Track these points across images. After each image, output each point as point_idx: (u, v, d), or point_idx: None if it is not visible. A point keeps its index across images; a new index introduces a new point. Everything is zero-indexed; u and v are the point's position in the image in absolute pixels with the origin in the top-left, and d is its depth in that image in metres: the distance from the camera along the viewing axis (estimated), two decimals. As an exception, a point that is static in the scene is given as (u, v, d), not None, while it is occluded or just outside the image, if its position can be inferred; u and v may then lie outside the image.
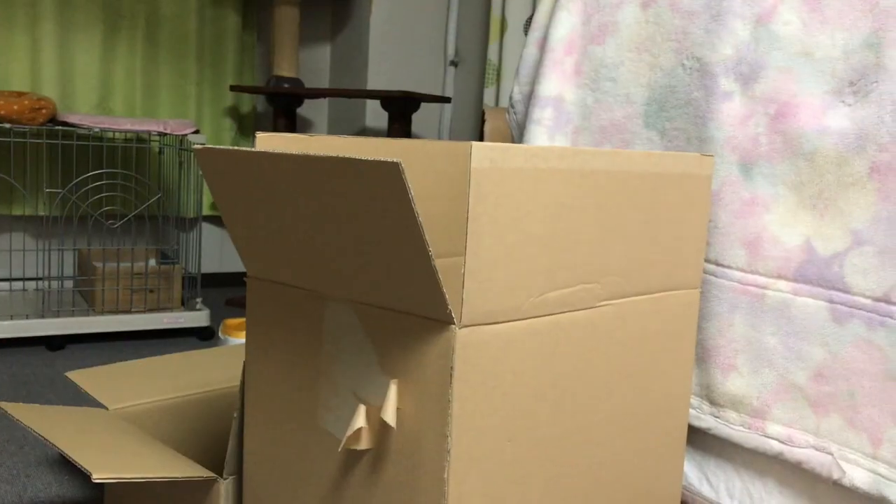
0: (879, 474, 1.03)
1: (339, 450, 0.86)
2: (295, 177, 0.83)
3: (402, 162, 0.72)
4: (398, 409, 0.82)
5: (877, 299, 1.03)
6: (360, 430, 0.85)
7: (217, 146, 0.89)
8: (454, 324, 0.78)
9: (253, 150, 0.85)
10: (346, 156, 0.75)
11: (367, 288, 0.84)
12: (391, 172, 0.72)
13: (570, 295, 0.89)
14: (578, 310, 0.90)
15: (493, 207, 0.78)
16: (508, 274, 0.81)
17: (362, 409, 0.85)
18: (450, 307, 0.78)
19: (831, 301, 1.07)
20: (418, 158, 1.16)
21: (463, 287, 0.78)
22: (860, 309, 1.05)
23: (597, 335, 0.93)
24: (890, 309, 1.02)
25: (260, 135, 1.01)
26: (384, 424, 0.82)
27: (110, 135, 2.44)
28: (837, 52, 1.11)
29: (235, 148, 0.87)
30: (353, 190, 0.78)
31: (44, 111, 2.25)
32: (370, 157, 0.73)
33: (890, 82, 1.04)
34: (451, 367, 0.78)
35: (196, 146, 0.92)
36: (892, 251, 1.02)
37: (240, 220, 0.96)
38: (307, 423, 0.94)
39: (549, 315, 0.86)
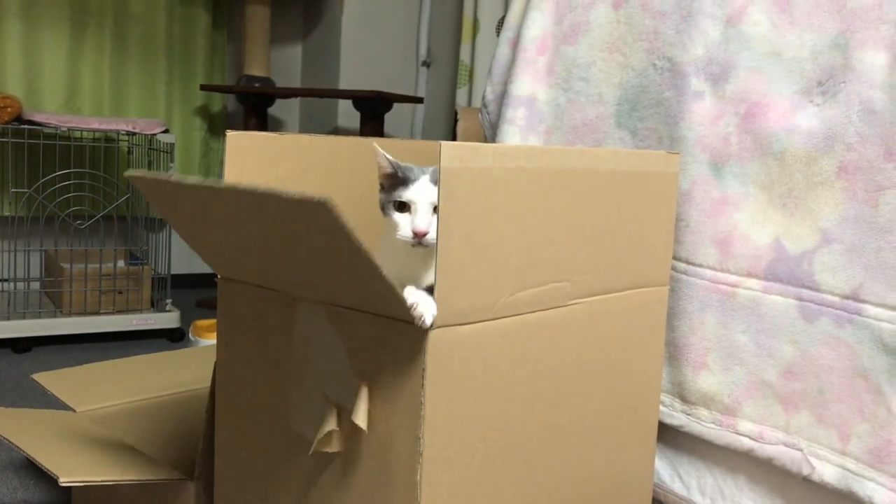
0: (848, 470, 1.04)
1: (310, 453, 0.85)
2: (235, 206, 0.82)
3: (330, 198, 0.68)
4: (370, 411, 0.82)
5: (845, 297, 1.05)
6: (331, 432, 0.84)
7: (151, 175, 0.85)
8: (426, 324, 0.77)
9: (185, 181, 0.81)
10: (275, 191, 0.71)
11: (337, 292, 0.84)
12: (321, 210, 0.69)
13: (541, 294, 0.89)
14: (549, 309, 0.90)
15: (462, 206, 0.78)
16: (480, 274, 0.81)
17: (333, 411, 0.84)
18: (420, 308, 0.77)
19: (801, 299, 1.08)
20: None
21: (435, 288, 0.77)
22: (829, 307, 1.06)
23: (567, 334, 0.93)
24: (858, 306, 1.03)
25: (230, 133, 0.99)
26: (356, 427, 0.82)
27: (78, 134, 2.40)
28: (806, 53, 1.12)
29: (170, 179, 0.83)
30: (291, 220, 0.77)
31: (9, 109, 2.22)
32: (300, 193, 0.69)
33: (857, 82, 1.05)
34: (424, 369, 0.77)
35: (130, 173, 0.88)
36: (860, 249, 1.03)
37: (195, 237, 0.94)
38: (278, 425, 0.93)
39: (520, 314, 0.86)
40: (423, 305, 0.76)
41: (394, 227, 0.90)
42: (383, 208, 0.93)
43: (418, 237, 0.87)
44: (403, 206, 0.89)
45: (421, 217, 0.87)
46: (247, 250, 0.90)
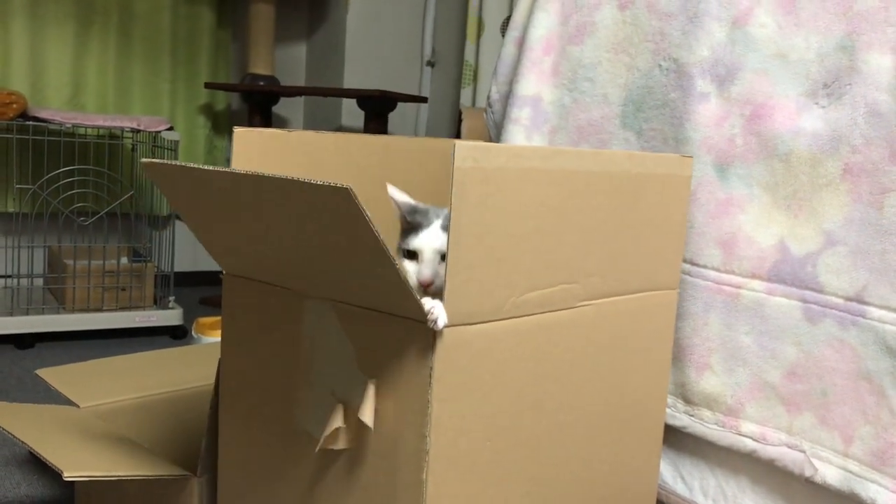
0: (850, 472, 1.04)
1: (317, 450, 0.85)
2: (252, 196, 0.81)
3: (352, 187, 0.69)
4: (376, 409, 0.82)
5: (849, 299, 1.05)
6: (337, 429, 0.84)
7: (165, 161, 0.85)
8: (434, 323, 0.77)
9: (202, 168, 0.82)
10: (298, 178, 0.72)
11: (345, 289, 0.84)
12: (342, 197, 0.70)
13: (551, 295, 0.89)
14: (558, 310, 0.90)
15: (475, 207, 0.78)
16: (490, 274, 0.81)
17: (340, 408, 0.85)
18: (429, 307, 0.77)
19: (805, 301, 1.09)
20: (399, 155, 1.16)
21: (444, 288, 0.77)
22: (833, 308, 1.06)
23: (576, 335, 0.93)
24: (862, 308, 1.04)
25: (238, 129, 1.00)
26: (362, 425, 0.82)
27: (82, 131, 2.41)
28: (812, 55, 1.12)
29: (186, 165, 0.83)
30: (309, 210, 0.77)
31: (14, 106, 2.22)
32: (322, 181, 0.70)
33: (863, 85, 1.05)
34: (431, 368, 0.77)
35: (143, 160, 0.87)
36: (864, 251, 1.04)
37: (206, 229, 0.94)
38: (284, 422, 0.93)
39: (529, 315, 0.86)
40: (437, 310, 0.77)
41: (404, 273, 0.89)
42: (397, 251, 0.92)
43: (423, 287, 0.86)
44: (412, 254, 0.88)
45: (426, 266, 0.87)
46: (258, 244, 0.90)
